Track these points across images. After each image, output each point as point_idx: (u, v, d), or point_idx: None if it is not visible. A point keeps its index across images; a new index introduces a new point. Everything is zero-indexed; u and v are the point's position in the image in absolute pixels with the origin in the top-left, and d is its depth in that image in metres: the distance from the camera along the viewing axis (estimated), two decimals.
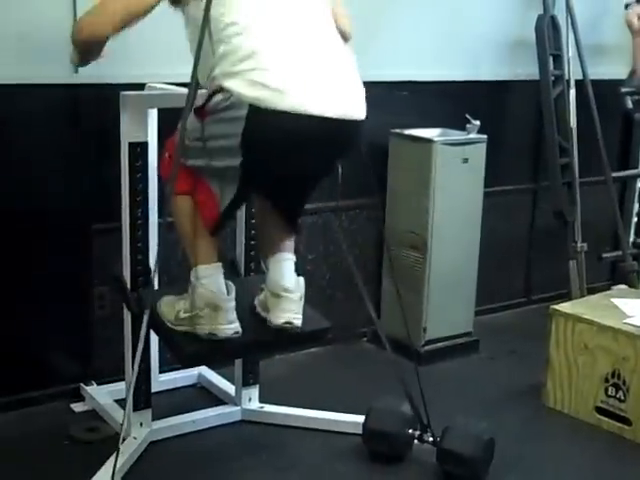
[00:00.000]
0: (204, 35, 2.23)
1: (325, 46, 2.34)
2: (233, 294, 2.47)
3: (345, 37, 2.46)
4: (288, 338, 2.59)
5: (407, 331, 2.99)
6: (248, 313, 2.58)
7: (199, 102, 2.33)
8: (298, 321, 2.52)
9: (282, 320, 2.50)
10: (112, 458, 2.65)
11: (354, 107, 2.32)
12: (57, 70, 3.00)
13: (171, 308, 2.53)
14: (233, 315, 2.46)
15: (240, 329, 2.46)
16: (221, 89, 2.25)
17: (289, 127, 2.21)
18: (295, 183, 2.52)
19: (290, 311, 2.51)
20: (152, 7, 2.42)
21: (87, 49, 2.54)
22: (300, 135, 2.23)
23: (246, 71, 2.20)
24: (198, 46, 2.23)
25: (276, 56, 2.22)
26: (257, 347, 2.70)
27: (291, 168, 2.35)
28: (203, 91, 2.34)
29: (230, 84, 2.21)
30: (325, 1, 2.43)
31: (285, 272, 2.56)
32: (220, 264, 2.49)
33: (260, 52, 2.21)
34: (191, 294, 2.46)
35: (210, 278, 2.45)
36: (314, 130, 2.23)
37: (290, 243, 2.64)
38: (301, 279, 2.58)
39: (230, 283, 2.49)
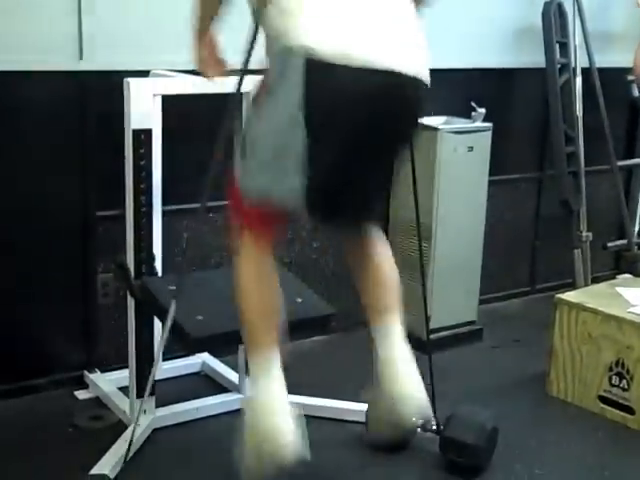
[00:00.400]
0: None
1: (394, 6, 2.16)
2: (294, 409, 2.19)
3: None
4: (291, 325, 2.58)
5: (426, 318, 2.93)
6: None
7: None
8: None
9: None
10: (116, 445, 2.67)
11: (415, 64, 2.14)
12: (61, 56, 2.99)
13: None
14: (295, 439, 2.13)
15: (307, 454, 2.14)
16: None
17: (360, 83, 2.01)
18: (371, 159, 2.19)
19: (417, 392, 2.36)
20: None
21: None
22: (367, 88, 2.03)
23: (308, 18, 2.02)
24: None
25: (339, 3, 2.05)
26: None
27: (366, 131, 2.08)
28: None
29: (286, 33, 2.02)
30: None
31: (396, 350, 2.36)
32: (277, 358, 2.22)
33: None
34: (246, 419, 2.18)
35: (265, 387, 2.19)
36: (382, 82, 2.04)
37: (396, 303, 2.40)
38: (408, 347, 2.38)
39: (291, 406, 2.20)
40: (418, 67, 2.14)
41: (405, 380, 2.34)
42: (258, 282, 2.24)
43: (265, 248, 2.26)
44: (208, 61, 2.51)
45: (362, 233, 2.41)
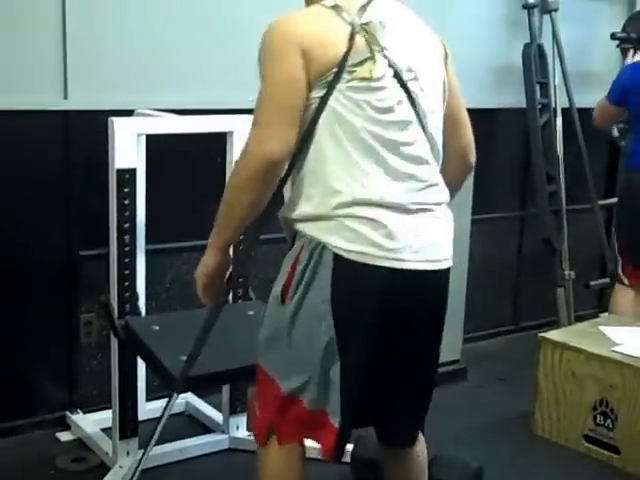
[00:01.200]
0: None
1: (427, 196, 2.01)
2: None
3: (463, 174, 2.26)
4: None
5: None
6: (240, 340, 2.55)
7: (280, 284, 2.00)
8: None
9: None
10: None
11: (446, 255, 2.08)
12: (46, 96, 3.00)
13: None
14: None
15: None
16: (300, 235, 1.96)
17: (386, 280, 1.93)
18: (404, 351, 2.05)
19: None
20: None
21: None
22: (398, 288, 1.95)
23: (340, 218, 1.90)
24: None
25: (382, 205, 1.92)
26: (244, 373, 2.67)
27: (393, 324, 1.98)
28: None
29: (318, 231, 1.92)
30: (439, 105, 2.08)
31: None
32: None
33: (364, 197, 1.91)
34: None
35: None
36: (413, 282, 1.97)
37: None
38: None
39: None
40: (449, 260, 2.09)
41: None
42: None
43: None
44: (217, 288, 2.12)
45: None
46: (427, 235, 2.00)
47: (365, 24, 1.92)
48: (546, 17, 4.14)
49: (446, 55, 2.17)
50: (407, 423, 2.18)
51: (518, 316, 4.54)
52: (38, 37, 2.96)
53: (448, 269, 2.09)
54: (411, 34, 2.04)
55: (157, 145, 2.98)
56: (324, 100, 1.89)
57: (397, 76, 1.94)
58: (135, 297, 2.81)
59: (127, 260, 2.77)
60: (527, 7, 4.07)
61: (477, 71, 4.10)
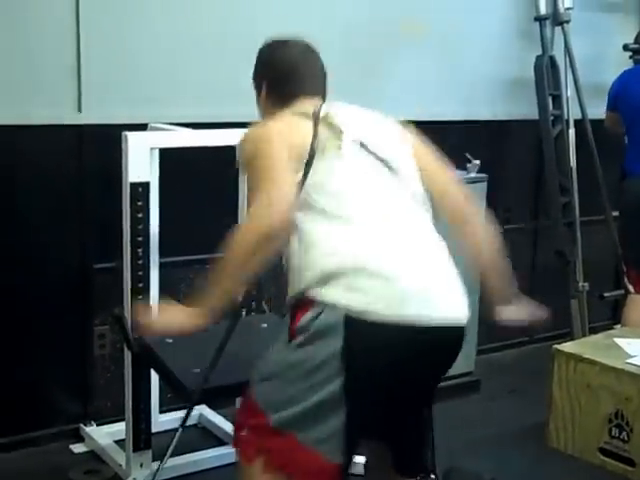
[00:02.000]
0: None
1: (426, 246, 2.05)
2: None
3: (471, 215, 2.28)
4: None
5: None
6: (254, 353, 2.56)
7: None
8: None
9: None
10: None
11: (459, 311, 2.04)
12: (60, 110, 3.02)
13: None
14: None
15: None
16: (310, 303, 1.93)
17: (399, 339, 1.90)
18: (407, 401, 2.09)
19: None
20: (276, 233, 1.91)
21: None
22: (411, 347, 1.92)
23: (347, 276, 1.90)
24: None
25: (382, 261, 1.93)
26: None
27: (402, 380, 1.97)
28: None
29: (328, 292, 1.90)
30: (421, 193, 2.13)
31: None
32: None
33: (363, 255, 1.92)
34: None
35: None
36: (426, 339, 1.94)
37: None
38: None
39: None
40: (462, 314, 2.05)
41: None
42: None
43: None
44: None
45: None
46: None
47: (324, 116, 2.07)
48: (558, 29, 4.14)
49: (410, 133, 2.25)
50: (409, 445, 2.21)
51: (532, 328, 4.51)
52: (52, 52, 2.99)
53: None
54: (367, 116, 2.18)
55: (170, 159, 2.99)
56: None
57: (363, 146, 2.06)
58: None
59: (140, 273, 2.78)
60: (539, 19, 4.07)
61: (490, 83, 4.11)
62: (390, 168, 2.07)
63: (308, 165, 1.99)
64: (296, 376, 1.92)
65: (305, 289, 1.94)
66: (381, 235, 1.97)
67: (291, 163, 1.97)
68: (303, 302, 1.94)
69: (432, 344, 1.96)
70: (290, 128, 2.06)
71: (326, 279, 1.90)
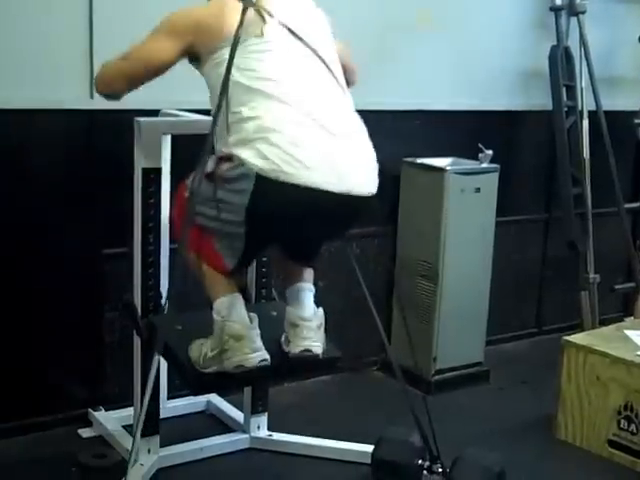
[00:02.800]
0: (223, 98, 2.26)
1: (340, 116, 2.36)
2: (256, 322, 2.45)
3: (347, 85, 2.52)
4: (298, 366, 2.57)
5: (414, 360, 2.97)
6: (263, 340, 2.56)
7: (209, 167, 2.33)
8: (318, 349, 2.52)
9: (300, 348, 2.50)
10: None
11: (364, 183, 2.34)
12: (72, 95, 3.02)
13: (198, 352, 2.48)
14: (259, 343, 2.42)
15: (268, 357, 2.42)
16: (231, 157, 2.27)
17: (296, 200, 2.23)
18: (303, 243, 2.58)
19: (309, 339, 2.50)
20: (168, 65, 2.49)
21: (106, 98, 2.61)
22: (307, 209, 2.27)
23: (259, 141, 2.22)
24: (216, 109, 2.28)
25: (291, 129, 2.24)
26: (265, 375, 2.67)
27: (296, 236, 2.44)
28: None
29: (242, 153, 2.23)
30: (337, 60, 2.46)
31: (303, 302, 2.58)
32: (239, 294, 2.47)
33: (275, 123, 2.24)
34: (214, 330, 2.44)
35: (230, 309, 2.42)
36: (321, 204, 2.27)
37: (309, 274, 2.66)
38: (320, 309, 2.60)
39: (253, 314, 2.47)
40: (360, 183, 2.33)
41: (302, 306, 2.59)
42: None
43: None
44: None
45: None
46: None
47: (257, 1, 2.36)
48: (573, 19, 4.11)
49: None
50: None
51: (542, 319, 4.52)
52: (65, 37, 2.98)
53: None
54: (299, 5, 2.47)
55: (182, 145, 2.99)
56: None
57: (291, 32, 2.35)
58: (158, 296, 2.82)
59: (151, 259, 2.78)
60: (554, 9, 4.04)
61: (504, 73, 4.09)
62: (315, 51, 2.36)
63: (233, 48, 2.24)
64: (216, 207, 2.32)
65: (228, 148, 2.27)
66: (302, 108, 2.26)
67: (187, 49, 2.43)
68: (227, 156, 2.28)
69: (332, 208, 2.30)
70: (222, 12, 2.36)
71: (244, 141, 2.23)
